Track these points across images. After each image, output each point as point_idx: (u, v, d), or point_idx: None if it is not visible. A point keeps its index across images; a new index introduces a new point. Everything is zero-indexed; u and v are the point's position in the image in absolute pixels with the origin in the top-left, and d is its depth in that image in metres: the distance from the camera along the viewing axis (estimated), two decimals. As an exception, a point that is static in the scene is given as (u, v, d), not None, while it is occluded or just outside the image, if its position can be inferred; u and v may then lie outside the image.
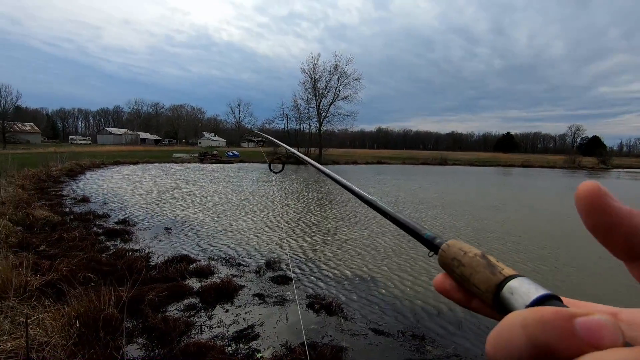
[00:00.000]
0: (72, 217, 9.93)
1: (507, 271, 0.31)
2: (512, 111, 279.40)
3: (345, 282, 6.18)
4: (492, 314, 0.32)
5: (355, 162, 47.40)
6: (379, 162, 49.86)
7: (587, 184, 0.27)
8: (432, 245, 0.41)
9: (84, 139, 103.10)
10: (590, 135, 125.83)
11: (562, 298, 0.28)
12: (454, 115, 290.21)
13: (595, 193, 0.27)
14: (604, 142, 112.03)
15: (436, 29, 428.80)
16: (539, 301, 0.26)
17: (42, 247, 6.80)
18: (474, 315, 5.00)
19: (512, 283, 0.29)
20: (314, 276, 6.42)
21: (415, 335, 4.51)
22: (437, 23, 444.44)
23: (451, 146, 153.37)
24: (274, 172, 1.93)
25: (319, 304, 5.15)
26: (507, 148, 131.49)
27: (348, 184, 0.80)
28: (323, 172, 1.06)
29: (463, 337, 4.56)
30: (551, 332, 0.21)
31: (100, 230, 8.69)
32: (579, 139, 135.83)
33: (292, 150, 1.81)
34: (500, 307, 0.29)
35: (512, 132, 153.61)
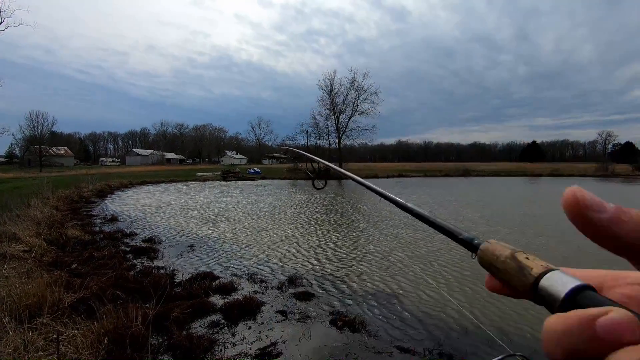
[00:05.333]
0: (101, 236, 10.32)
1: (536, 270, 0.31)
2: (539, 119, 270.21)
3: (368, 298, 6.07)
4: None
5: (375, 176, 46.96)
6: (400, 175, 49.25)
7: (570, 190, 0.28)
8: (471, 246, 0.41)
9: (113, 161, 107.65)
10: (622, 142, 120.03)
11: (562, 269, 0.30)
12: (476, 125, 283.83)
13: (576, 202, 0.28)
14: (639, 148, 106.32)
15: (457, 38, 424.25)
16: (572, 294, 0.27)
17: (74, 266, 7.07)
18: (504, 334, 4.79)
19: (543, 283, 0.30)
20: (335, 292, 6.35)
21: (442, 354, 4.36)
22: (457, 32, 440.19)
23: (474, 157, 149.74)
24: (317, 189, 2.15)
25: (341, 321, 5.07)
26: (533, 157, 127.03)
27: (386, 192, 0.83)
28: (363, 184, 1.08)
29: (493, 355, 4.36)
30: (577, 339, 0.24)
31: (128, 249, 8.96)
32: (610, 146, 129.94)
33: (329, 164, 1.83)
34: (543, 303, 0.30)
35: (539, 140, 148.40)
